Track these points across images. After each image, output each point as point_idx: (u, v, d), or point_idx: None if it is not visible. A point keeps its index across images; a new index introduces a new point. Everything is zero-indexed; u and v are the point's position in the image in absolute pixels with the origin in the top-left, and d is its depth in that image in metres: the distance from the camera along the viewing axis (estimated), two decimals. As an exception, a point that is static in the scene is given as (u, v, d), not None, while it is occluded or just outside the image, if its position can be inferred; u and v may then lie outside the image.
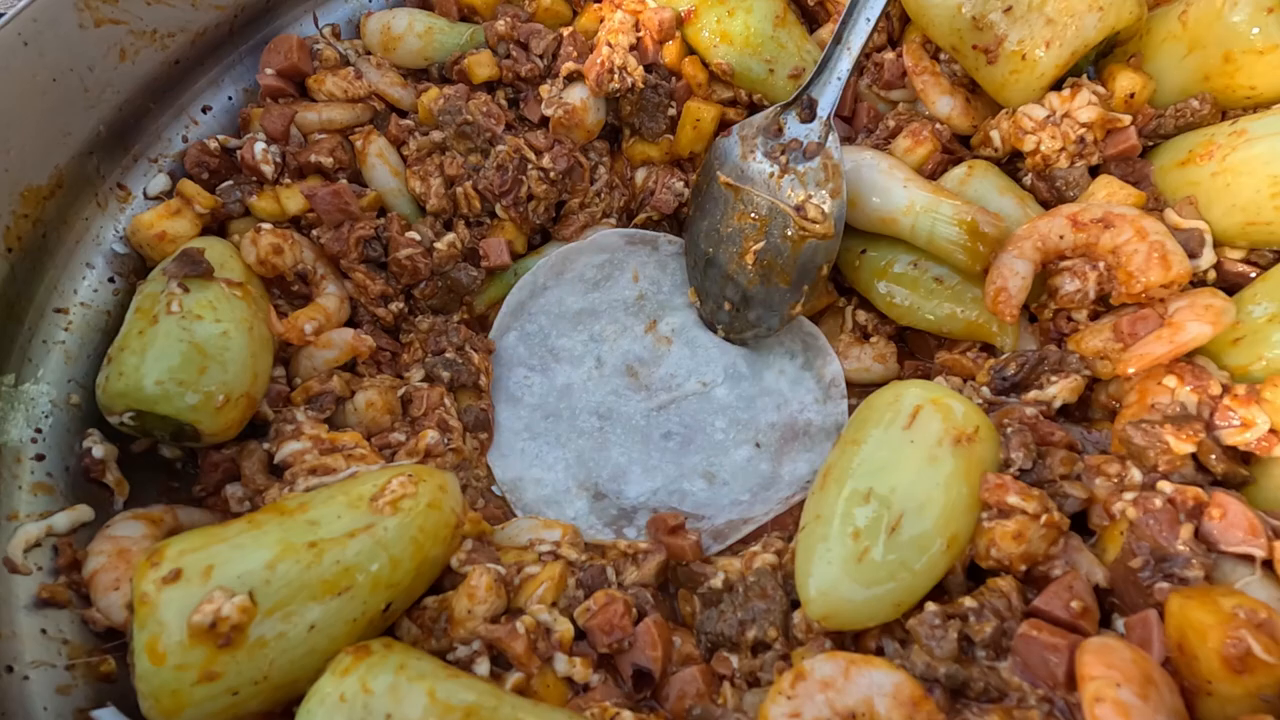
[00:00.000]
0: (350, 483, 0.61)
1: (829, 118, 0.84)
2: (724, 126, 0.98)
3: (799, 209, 0.85)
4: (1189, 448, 0.59)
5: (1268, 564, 0.52)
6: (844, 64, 0.84)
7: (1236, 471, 0.61)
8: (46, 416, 0.67)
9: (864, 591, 0.61)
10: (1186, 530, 0.55)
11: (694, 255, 0.92)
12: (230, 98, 0.90)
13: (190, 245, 0.74)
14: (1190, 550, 0.54)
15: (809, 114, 0.86)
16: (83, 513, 0.65)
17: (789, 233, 0.84)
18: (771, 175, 0.87)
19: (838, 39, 0.84)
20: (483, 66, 0.93)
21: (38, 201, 0.69)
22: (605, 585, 0.71)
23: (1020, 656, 0.55)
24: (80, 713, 0.54)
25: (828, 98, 0.85)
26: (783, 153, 0.87)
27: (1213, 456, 0.60)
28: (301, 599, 0.52)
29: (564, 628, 0.63)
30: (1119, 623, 0.57)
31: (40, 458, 0.65)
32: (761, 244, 0.88)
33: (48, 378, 0.69)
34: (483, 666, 0.58)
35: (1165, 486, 0.58)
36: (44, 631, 0.57)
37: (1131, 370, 0.66)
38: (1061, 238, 0.69)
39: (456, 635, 0.60)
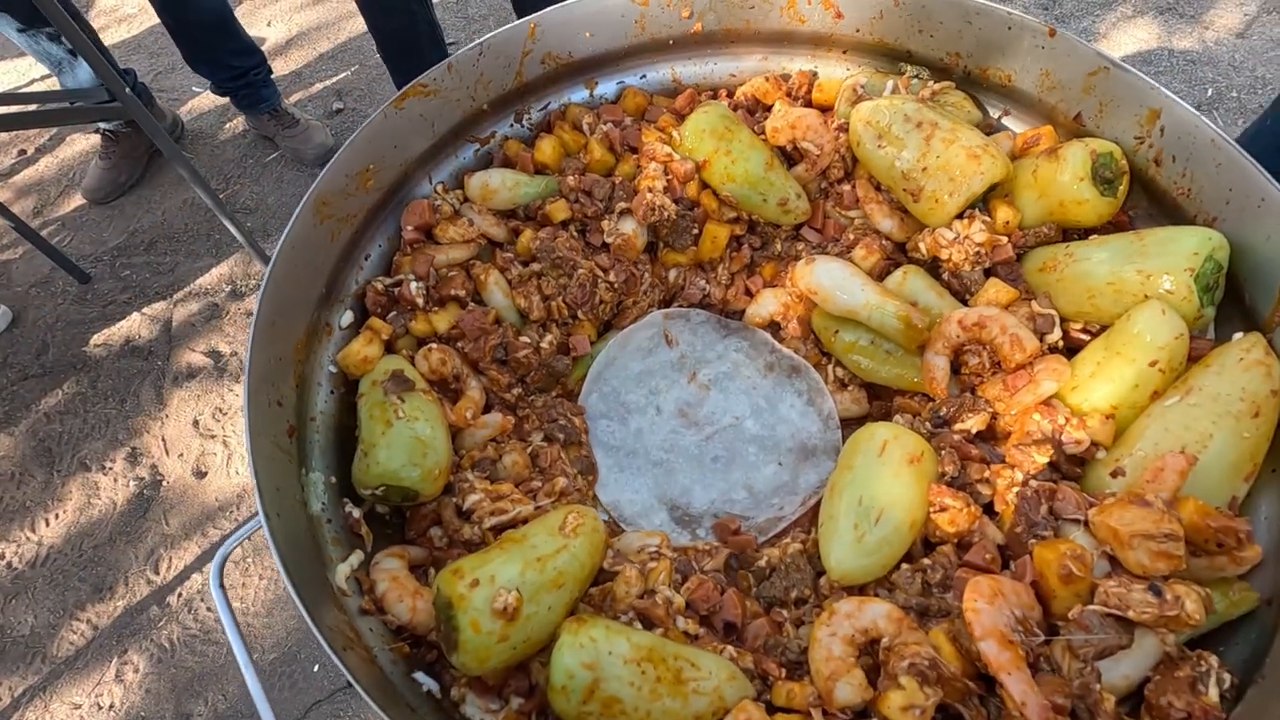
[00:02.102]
0: (545, 518, 0.94)
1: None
2: (732, 240, 1.32)
3: None
4: (1045, 459, 0.95)
5: (1086, 524, 0.91)
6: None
7: (1073, 470, 0.96)
8: (325, 493, 0.98)
9: (864, 561, 0.91)
10: (1044, 508, 0.90)
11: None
12: (380, 246, 1.20)
13: (395, 368, 1.06)
14: (1046, 520, 0.90)
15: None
16: (359, 555, 0.97)
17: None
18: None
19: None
20: (560, 211, 1.25)
21: (301, 348, 1.01)
22: (693, 572, 1.06)
23: (957, 588, 0.87)
24: (406, 675, 0.88)
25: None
26: None
27: (1060, 462, 0.97)
28: (541, 592, 0.86)
29: (679, 600, 0.97)
30: (1013, 565, 0.91)
31: (329, 521, 0.97)
32: None
33: (317, 467, 0.99)
34: (638, 627, 0.93)
35: (1033, 483, 0.93)
36: (371, 630, 0.89)
37: (1013, 412, 1.03)
38: (957, 335, 1.04)
39: (618, 609, 0.93)
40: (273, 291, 0.94)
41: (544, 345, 1.20)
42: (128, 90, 2.11)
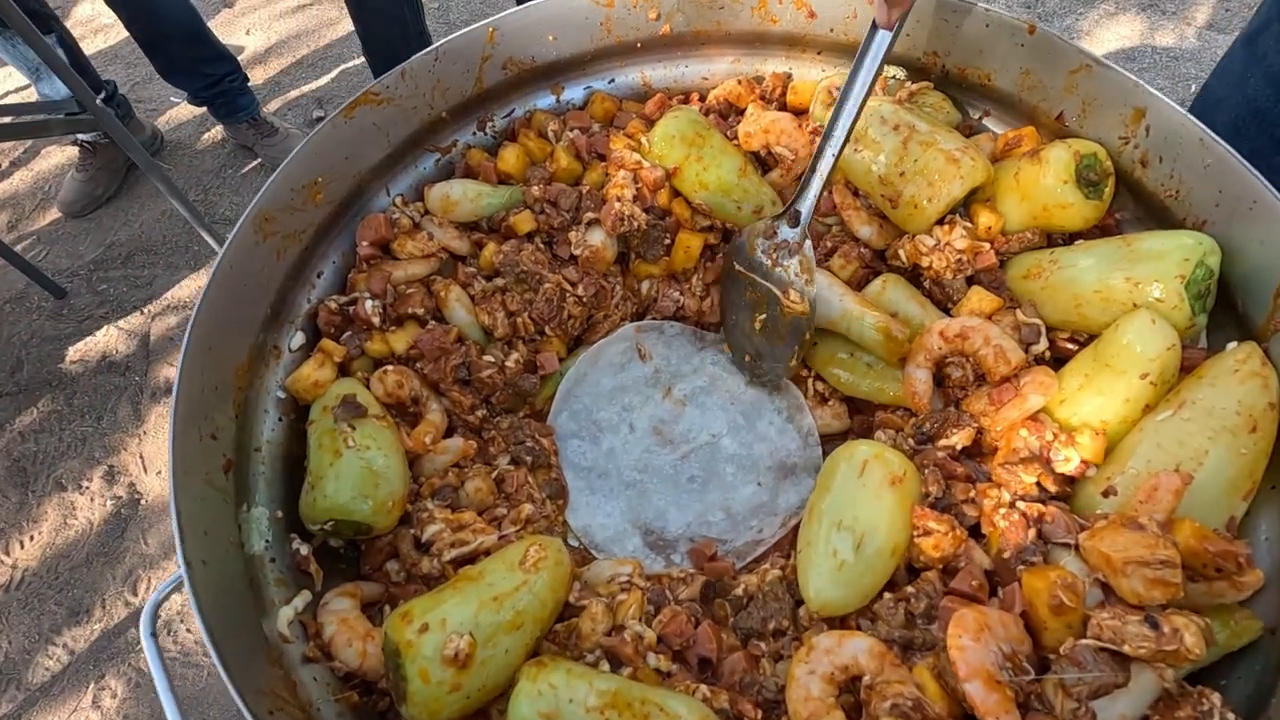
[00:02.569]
0: (504, 552, 0.89)
1: (806, 224, 1.10)
2: (706, 249, 1.29)
3: (785, 293, 1.13)
4: (1033, 479, 0.90)
5: (1076, 548, 0.86)
6: (815, 186, 1.09)
7: (1063, 490, 0.91)
8: (269, 529, 0.93)
9: (844, 590, 0.87)
10: (1032, 532, 0.86)
11: (726, 319, 1.21)
12: (334, 263, 1.15)
13: (347, 392, 1.01)
14: (1035, 545, 0.85)
15: (794, 222, 1.13)
16: (306, 595, 0.91)
17: (781, 309, 1.13)
18: (767, 266, 1.14)
19: (812, 169, 1.08)
20: (525, 222, 1.21)
21: (243, 374, 0.96)
22: (667, 603, 1.01)
23: (942, 620, 0.83)
24: (352, 727, 0.82)
25: (806, 209, 1.10)
26: (775, 250, 1.14)
27: (1049, 481, 0.92)
28: (497, 634, 0.80)
29: (650, 635, 0.92)
30: (1001, 593, 0.87)
31: (273, 560, 0.91)
32: (764, 315, 1.15)
33: (261, 501, 0.94)
34: (604, 667, 0.88)
35: (1020, 505, 0.88)
36: (315, 679, 0.83)
37: (999, 427, 0.98)
38: (939, 347, 0.99)
39: (584, 647, 0.88)
40: (206, 317, 0.88)
41: (509, 364, 1.14)
42: (98, 101, 2.05)
